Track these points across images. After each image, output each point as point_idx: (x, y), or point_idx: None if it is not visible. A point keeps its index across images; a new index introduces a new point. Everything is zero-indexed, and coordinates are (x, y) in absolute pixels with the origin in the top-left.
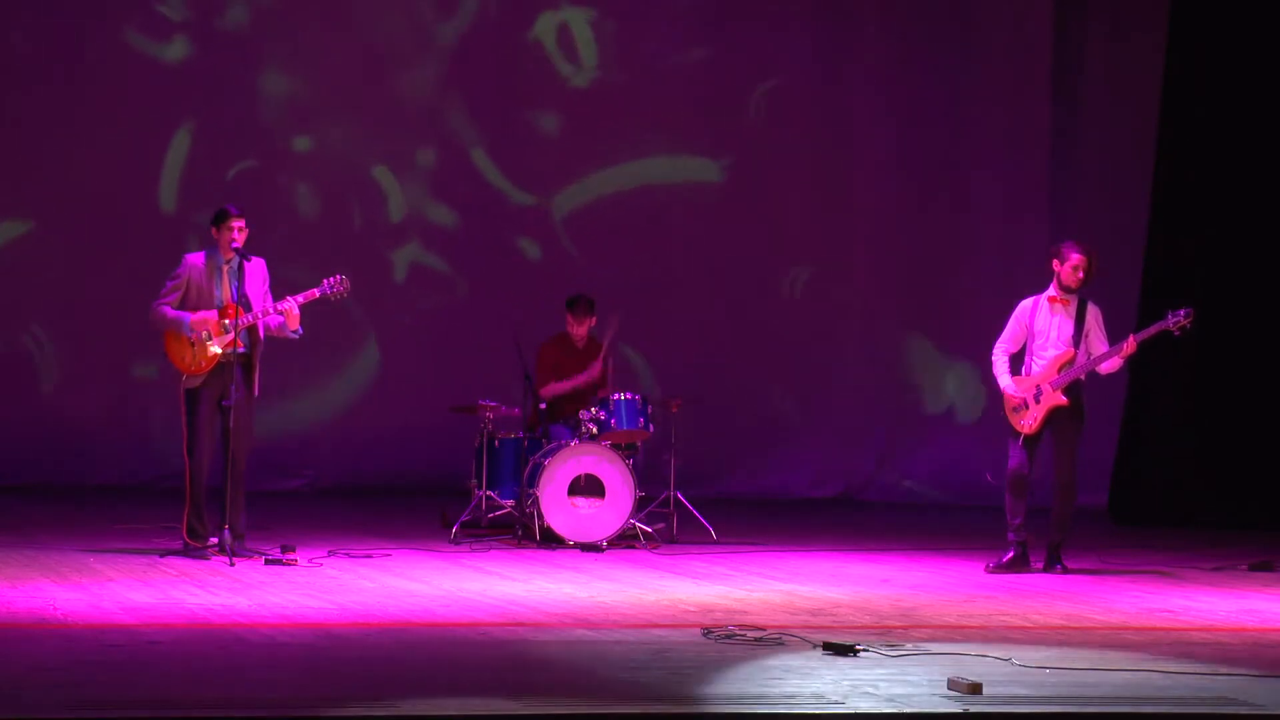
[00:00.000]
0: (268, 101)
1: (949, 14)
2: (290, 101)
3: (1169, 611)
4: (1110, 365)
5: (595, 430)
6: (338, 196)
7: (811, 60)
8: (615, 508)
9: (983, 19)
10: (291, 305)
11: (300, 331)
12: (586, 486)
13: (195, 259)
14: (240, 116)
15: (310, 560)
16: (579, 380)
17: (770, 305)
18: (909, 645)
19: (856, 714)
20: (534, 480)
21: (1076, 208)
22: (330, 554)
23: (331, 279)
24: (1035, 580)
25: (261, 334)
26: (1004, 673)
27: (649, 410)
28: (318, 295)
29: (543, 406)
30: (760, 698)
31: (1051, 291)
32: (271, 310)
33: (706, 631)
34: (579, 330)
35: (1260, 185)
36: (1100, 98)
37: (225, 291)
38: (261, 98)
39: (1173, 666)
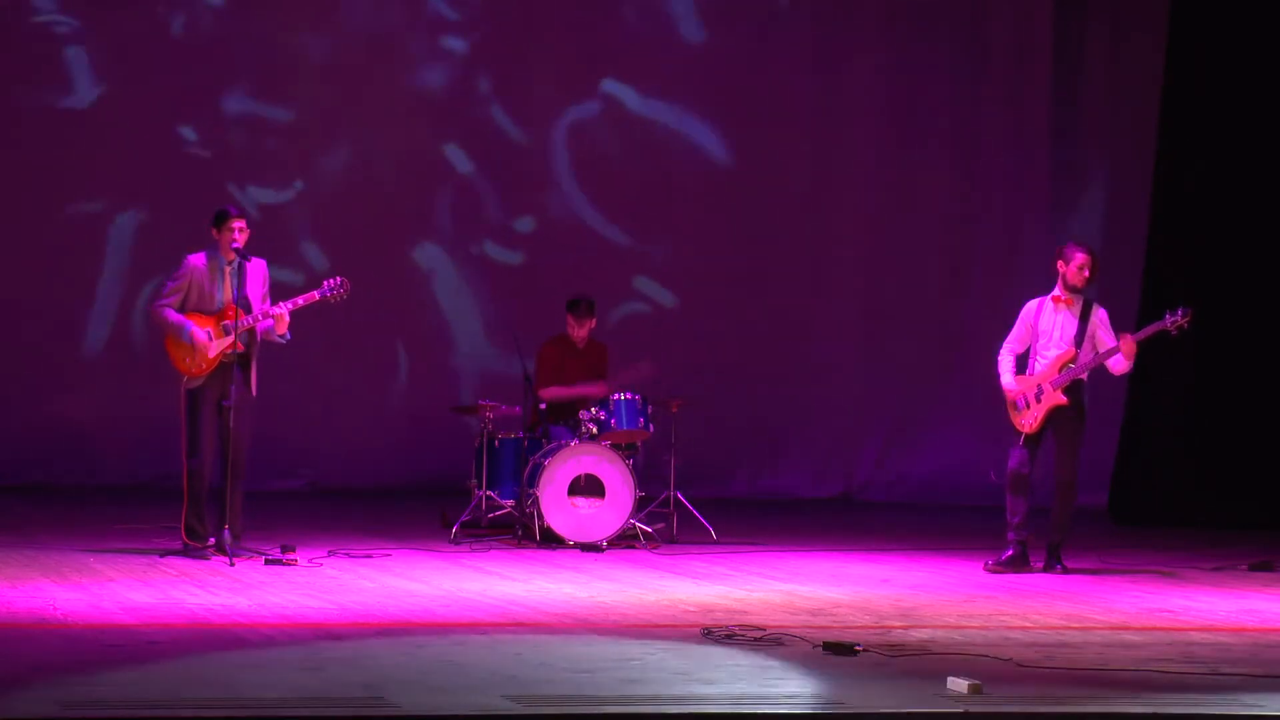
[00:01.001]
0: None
1: (950, 14)
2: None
3: (1169, 611)
4: (1118, 365)
5: (595, 430)
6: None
7: (811, 59)
8: (615, 508)
9: (983, 19)
10: (283, 310)
11: (288, 337)
12: (586, 486)
13: (197, 260)
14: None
15: (310, 560)
16: (583, 391)
17: (770, 305)
18: (909, 645)
19: (856, 714)
20: (534, 480)
21: (1077, 208)
22: (330, 554)
23: (332, 280)
24: (1035, 580)
25: (259, 335)
26: (1004, 673)
27: (649, 410)
28: (318, 298)
29: (542, 407)
30: (760, 698)
31: (1056, 291)
32: (267, 313)
33: (706, 631)
34: (579, 332)
35: (1260, 185)
36: (1100, 98)
37: (226, 293)
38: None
39: (1173, 666)
